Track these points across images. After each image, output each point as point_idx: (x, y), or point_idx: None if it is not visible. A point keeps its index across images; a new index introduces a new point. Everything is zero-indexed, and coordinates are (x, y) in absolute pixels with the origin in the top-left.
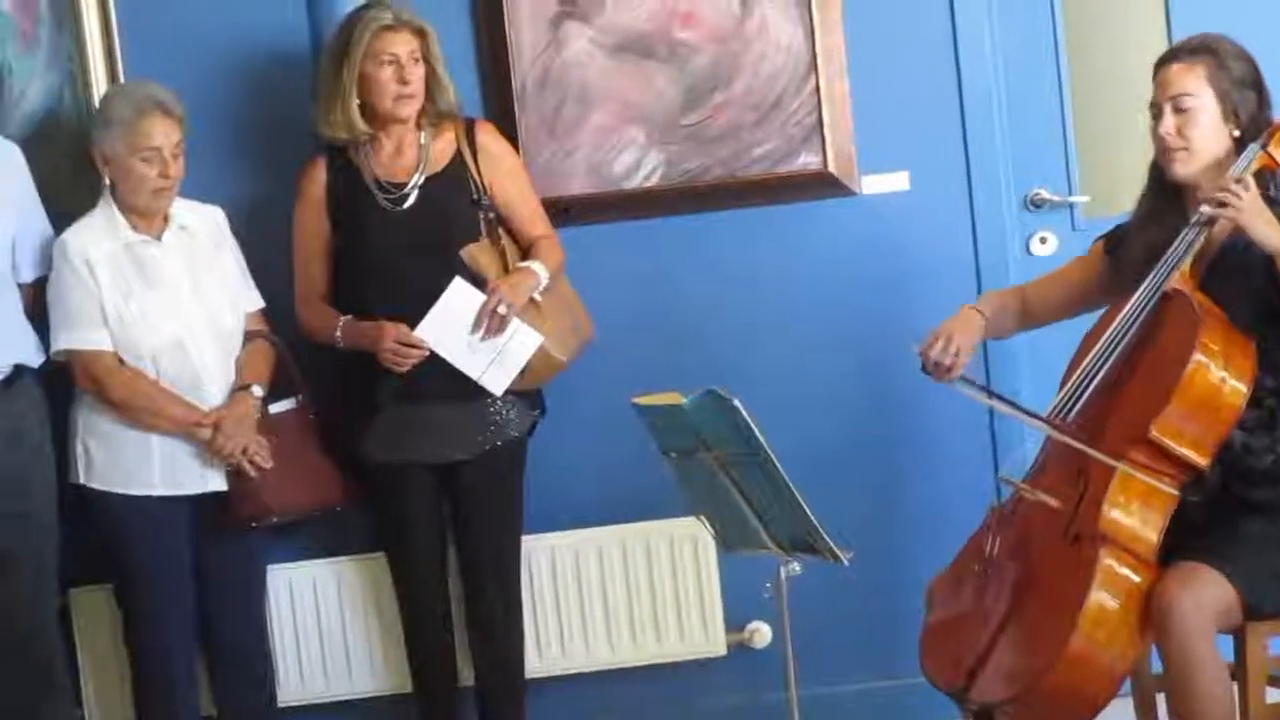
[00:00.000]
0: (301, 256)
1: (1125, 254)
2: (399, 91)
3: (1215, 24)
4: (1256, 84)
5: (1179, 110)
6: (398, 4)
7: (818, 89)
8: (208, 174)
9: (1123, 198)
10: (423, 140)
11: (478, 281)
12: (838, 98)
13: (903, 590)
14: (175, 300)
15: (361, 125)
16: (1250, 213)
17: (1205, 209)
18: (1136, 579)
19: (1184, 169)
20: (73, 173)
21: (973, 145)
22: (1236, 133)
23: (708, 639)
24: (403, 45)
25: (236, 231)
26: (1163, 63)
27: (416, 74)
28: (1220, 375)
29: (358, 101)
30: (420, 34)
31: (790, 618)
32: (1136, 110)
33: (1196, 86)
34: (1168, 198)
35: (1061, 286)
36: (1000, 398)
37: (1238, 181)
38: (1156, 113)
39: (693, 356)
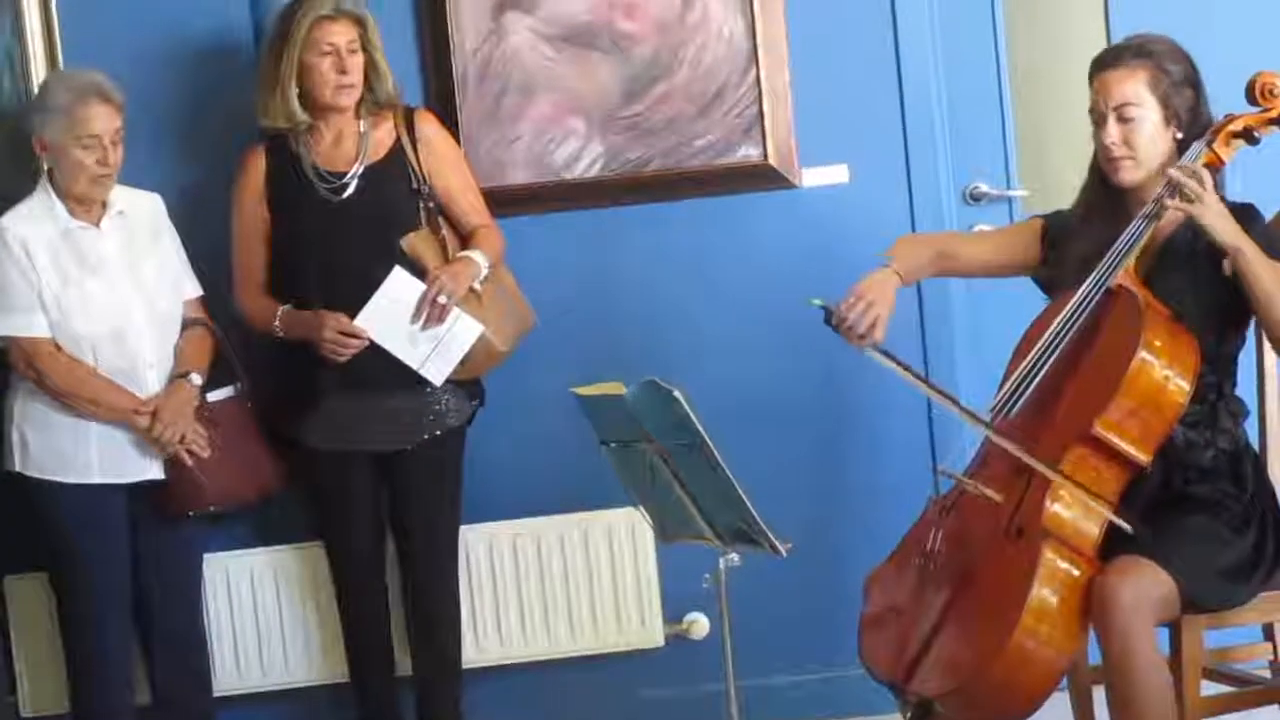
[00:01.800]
0: (241, 245)
1: (1065, 253)
2: (338, 81)
3: (1153, 18)
4: (1193, 81)
5: (1123, 119)
6: None
7: (758, 81)
8: (147, 160)
9: (1061, 192)
10: (362, 129)
11: (418, 271)
12: (778, 90)
13: (841, 582)
14: (114, 287)
15: (301, 114)
16: (1210, 207)
17: (1168, 201)
18: (1077, 573)
19: (1130, 177)
20: (11, 158)
21: (912, 139)
22: (1179, 134)
23: (645, 630)
24: (341, 35)
25: (175, 219)
26: (1101, 68)
27: (355, 63)
28: (1165, 373)
29: (297, 90)
30: (359, 23)
31: (729, 609)
32: (1075, 105)
33: (1139, 94)
34: (1110, 196)
35: (992, 247)
36: (918, 375)
37: (1193, 175)
38: (1099, 119)
39: (632, 347)
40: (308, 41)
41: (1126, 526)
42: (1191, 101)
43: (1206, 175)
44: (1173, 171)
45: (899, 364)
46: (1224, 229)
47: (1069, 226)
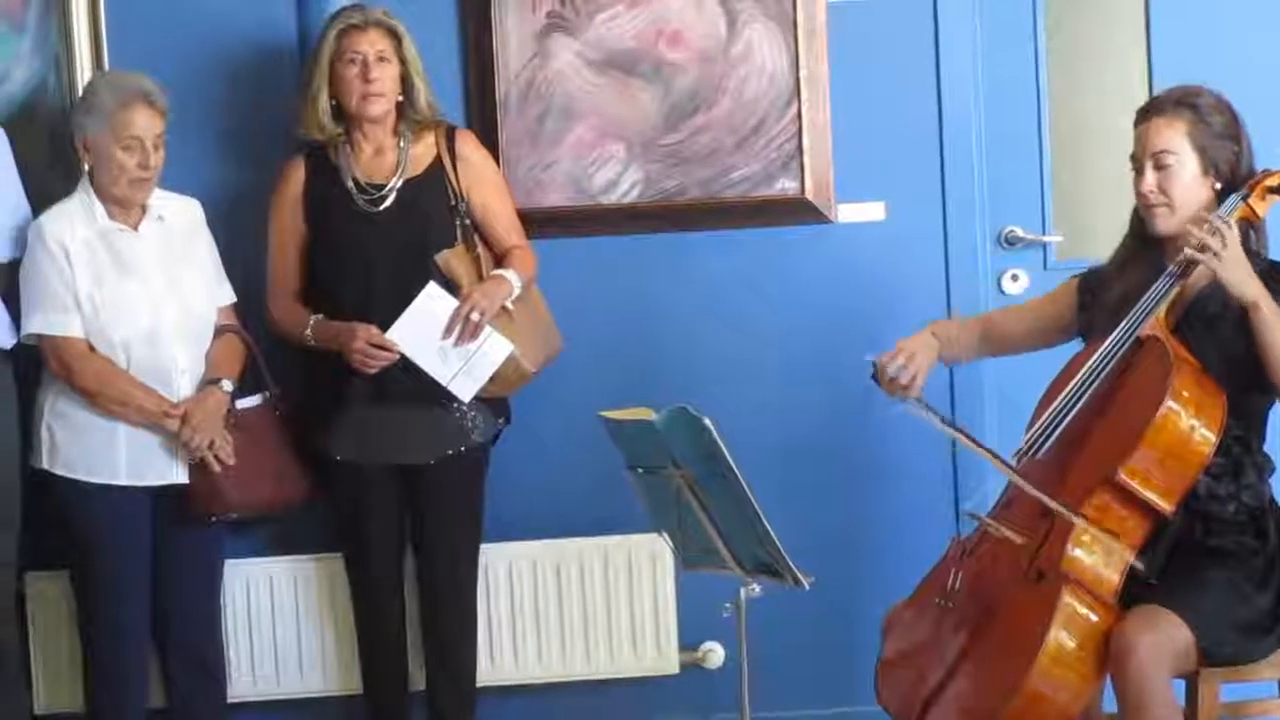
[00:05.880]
0: (276, 253)
1: (1100, 298)
2: (363, 90)
3: (1196, 69)
4: (1236, 135)
5: (1160, 167)
6: (378, 6)
7: (799, 115)
8: (187, 165)
9: (1096, 240)
10: (402, 144)
11: (451, 287)
12: (819, 125)
13: (860, 618)
14: (148, 290)
15: (331, 125)
16: (1229, 261)
17: (1188, 252)
18: (1096, 619)
19: (1165, 224)
20: (52, 157)
21: (950, 180)
22: (1218, 185)
23: (661, 656)
24: (369, 44)
25: (214, 224)
26: (1143, 117)
27: (382, 73)
28: (1191, 423)
29: (332, 102)
30: (392, 34)
31: (747, 640)
32: (1114, 154)
33: (1177, 143)
34: (1148, 246)
35: (1028, 319)
36: (954, 426)
37: (1215, 229)
38: (1137, 167)
39: (661, 373)
40: (336, 51)
41: (1141, 567)
42: (1233, 155)
43: (1231, 229)
44: (1191, 227)
45: (940, 418)
46: (1241, 283)
47: (1105, 275)
